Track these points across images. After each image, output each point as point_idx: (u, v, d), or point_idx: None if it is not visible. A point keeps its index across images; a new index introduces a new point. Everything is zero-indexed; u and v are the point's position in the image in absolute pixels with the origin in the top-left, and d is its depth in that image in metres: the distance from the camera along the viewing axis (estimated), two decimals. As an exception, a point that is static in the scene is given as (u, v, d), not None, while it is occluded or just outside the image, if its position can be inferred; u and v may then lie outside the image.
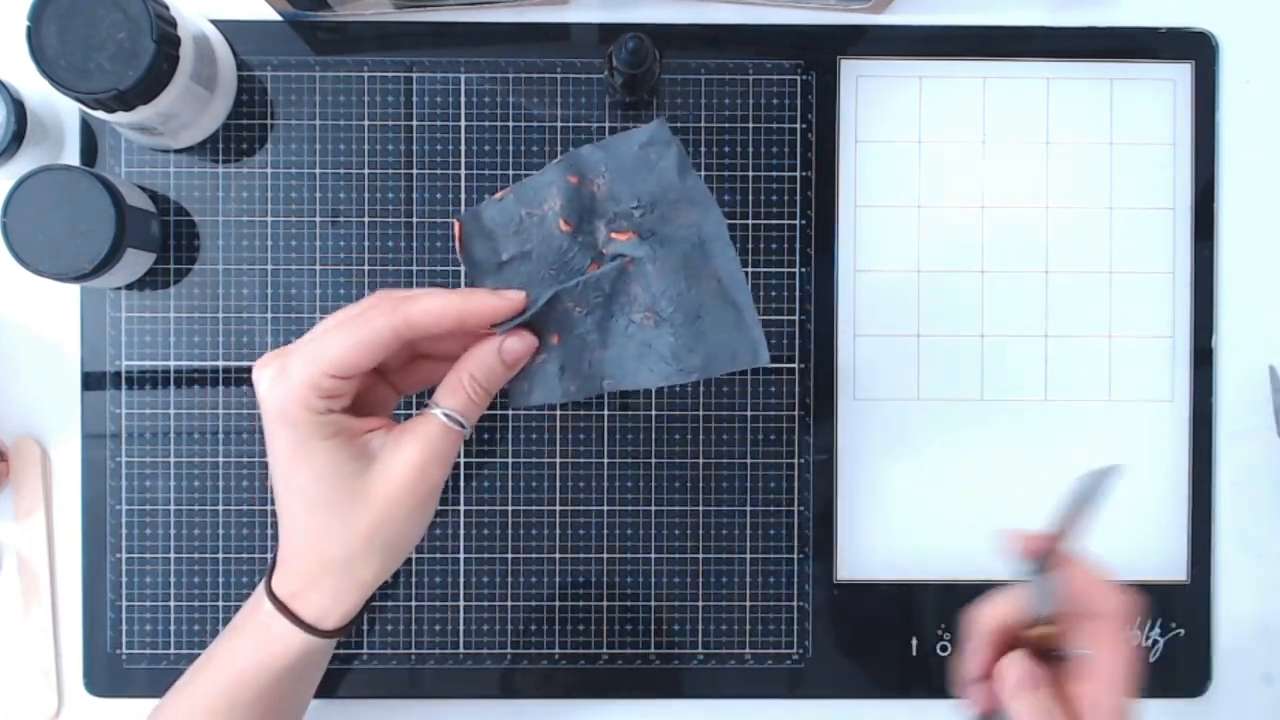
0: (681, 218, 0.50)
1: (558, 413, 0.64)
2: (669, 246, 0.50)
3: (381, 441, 0.49)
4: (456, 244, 0.51)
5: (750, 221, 0.64)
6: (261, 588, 0.51)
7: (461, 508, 0.64)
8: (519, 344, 0.50)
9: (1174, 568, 0.65)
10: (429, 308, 0.48)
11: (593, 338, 0.51)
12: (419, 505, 0.49)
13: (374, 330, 0.47)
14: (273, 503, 0.63)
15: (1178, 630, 0.65)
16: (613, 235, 0.51)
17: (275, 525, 0.63)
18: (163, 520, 0.63)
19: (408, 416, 0.51)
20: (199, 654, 0.59)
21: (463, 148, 0.64)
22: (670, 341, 0.50)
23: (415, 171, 0.64)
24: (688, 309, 0.50)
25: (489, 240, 0.51)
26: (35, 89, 0.61)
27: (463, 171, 0.64)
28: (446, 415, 0.49)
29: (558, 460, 0.64)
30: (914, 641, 0.64)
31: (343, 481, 0.48)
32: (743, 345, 0.50)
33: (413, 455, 0.49)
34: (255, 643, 0.51)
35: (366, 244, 0.64)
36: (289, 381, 0.47)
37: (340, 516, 0.49)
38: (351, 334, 0.47)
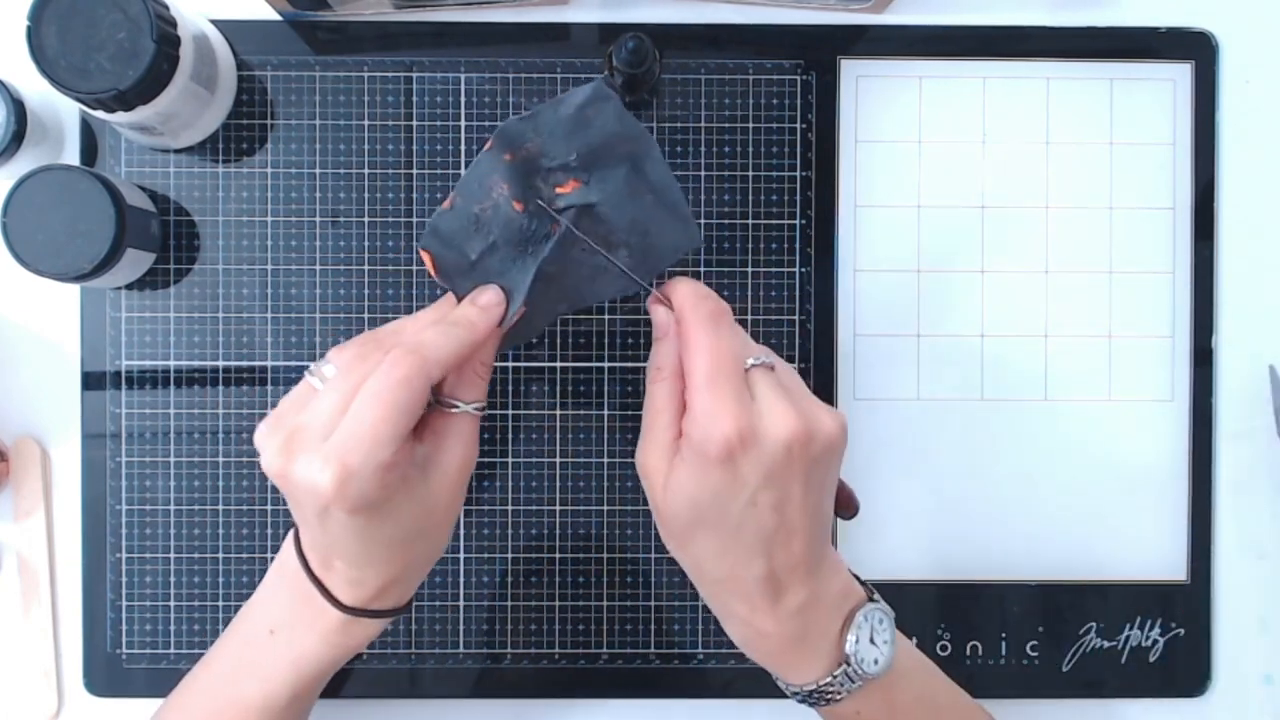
0: (615, 149, 0.52)
1: (557, 413, 0.64)
2: (610, 181, 0.52)
3: (425, 455, 0.50)
4: (431, 272, 0.52)
5: (750, 221, 0.64)
6: (306, 595, 0.51)
7: (461, 507, 0.64)
8: (496, 306, 0.52)
9: (1174, 568, 0.65)
10: (444, 361, 0.48)
11: (552, 271, 0.52)
12: (465, 489, 0.52)
13: (408, 391, 0.46)
14: (273, 503, 0.63)
15: (1178, 630, 0.65)
16: (557, 190, 0.52)
17: (275, 525, 0.63)
18: (163, 520, 0.63)
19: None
20: (199, 654, 0.59)
21: (463, 148, 0.64)
22: (626, 260, 0.53)
23: (415, 171, 0.64)
24: (640, 229, 0.52)
25: (453, 248, 0.52)
26: (35, 89, 0.61)
27: (462, 172, 0.64)
28: (474, 409, 0.51)
29: (558, 460, 0.64)
30: (913, 641, 0.64)
31: (412, 512, 0.49)
32: (681, 237, 0.53)
33: (460, 456, 0.50)
34: (326, 644, 0.51)
35: (366, 244, 0.64)
36: (359, 476, 0.46)
37: (420, 537, 0.50)
38: (387, 402, 0.46)
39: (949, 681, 0.56)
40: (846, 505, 0.57)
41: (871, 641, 0.51)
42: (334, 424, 0.46)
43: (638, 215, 0.52)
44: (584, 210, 0.52)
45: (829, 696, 0.51)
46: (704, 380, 0.48)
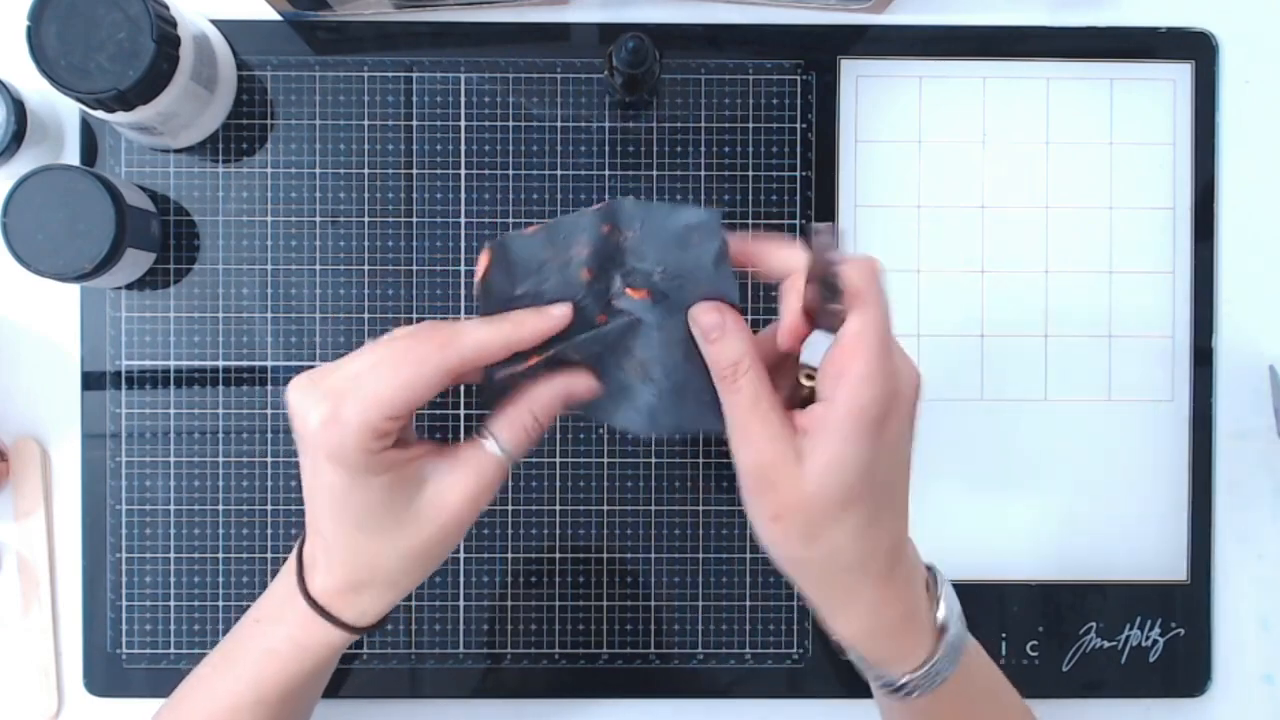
0: (699, 293, 0.49)
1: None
2: (677, 317, 0.49)
3: (433, 467, 0.49)
4: (480, 272, 0.49)
5: (750, 221, 0.64)
6: (290, 587, 0.51)
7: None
8: (583, 389, 0.50)
9: (1174, 568, 0.65)
10: (481, 341, 0.47)
11: (575, 358, 0.50)
12: (466, 527, 0.50)
13: (428, 368, 0.46)
14: (273, 503, 0.63)
15: (1178, 630, 0.65)
16: (627, 290, 0.49)
17: (275, 525, 0.63)
18: (163, 520, 0.63)
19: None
20: (199, 654, 0.59)
21: (463, 148, 0.64)
22: (650, 401, 0.50)
23: (415, 171, 0.64)
24: (676, 380, 0.50)
25: (508, 273, 0.49)
26: (35, 89, 0.61)
27: (463, 171, 0.64)
28: (504, 450, 0.49)
29: (558, 460, 0.64)
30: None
31: (394, 510, 0.48)
32: (712, 414, 0.50)
33: (467, 488, 0.49)
34: (290, 641, 0.50)
35: (366, 244, 0.64)
36: (344, 425, 0.45)
37: (390, 539, 0.49)
38: (403, 372, 0.46)
39: (1001, 675, 0.55)
40: None
41: (948, 607, 0.49)
42: (353, 375, 0.47)
43: (683, 365, 0.49)
44: (635, 324, 0.49)
45: (937, 677, 0.49)
46: (864, 339, 0.45)
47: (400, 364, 0.46)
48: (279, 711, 0.52)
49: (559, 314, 0.48)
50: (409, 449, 0.49)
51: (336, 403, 0.46)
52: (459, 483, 0.49)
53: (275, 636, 0.51)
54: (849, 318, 0.45)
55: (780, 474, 0.46)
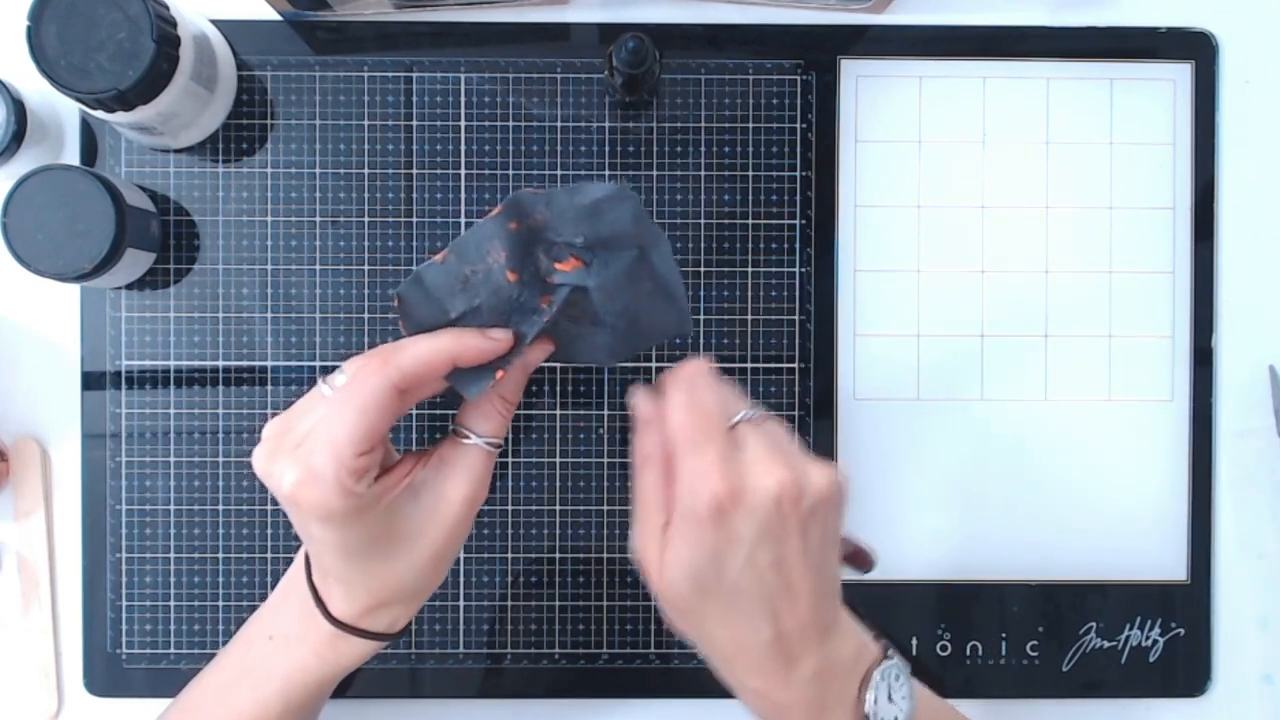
0: (628, 246, 0.50)
1: (557, 413, 0.64)
2: (612, 266, 0.50)
3: (423, 479, 0.49)
4: (401, 321, 0.50)
5: (750, 221, 0.64)
6: (308, 610, 0.51)
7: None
8: (540, 356, 0.51)
9: (1174, 568, 0.65)
10: (419, 355, 0.47)
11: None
12: (470, 523, 0.51)
13: (373, 393, 0.46)
14: (273, 503, 0.63)
15: (1178, 630, 0.65)
16: (556, 265, 0.50)
17: (275, 525, 0.63)
18: (163, 520, 0.63)
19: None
20: (199, 654, 0.59)
21: (463, 148, 0.64)
22: (607, 340, 0.52)
23: (415, 171, 0.64)
24: (628, 316, 0.51)
25: (434, 302, 0.50)
26: (35, 89, 0.61)
27: (463, 171, 0.64)
28: (490, 444, 0.50)
29: (558, 460, 0.64)
30: (914, 641, 0.64)
31: (397, 534, 0.49)
32: (671, 323, 0.53)
33: (463, 489, 0.49)
34: (318, 657, 0.51)
35: (366, 244, 0.64)
36: (321, 480, 0.45)
37: (404, 561, 0.49)
38: (354, 403, 0.46)
39: None
40: (862, 562, 0.56)
41: (890, 699, 0.49)
42: (310, 427, 0.47)
43: (631, 303, 0.51)
44: (577, 290, 0.50)
45: None
46: (687, 440, 0.46)
47: (350, 398, 0.46)
48: (302, 716, 0.53)
49: (500, 337, 0.49)
50: (393, 472, 0.49)
51: (305, 460, 0.46)
52: (453, 487, 0.49)
53: (301, 652, 0.51)
54: (664, 414, 0.48)
55: (649, 562, 0.48)
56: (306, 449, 0.46)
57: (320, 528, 0.47)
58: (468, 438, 0.50)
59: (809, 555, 0.47)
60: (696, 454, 0.46)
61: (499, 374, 0.50)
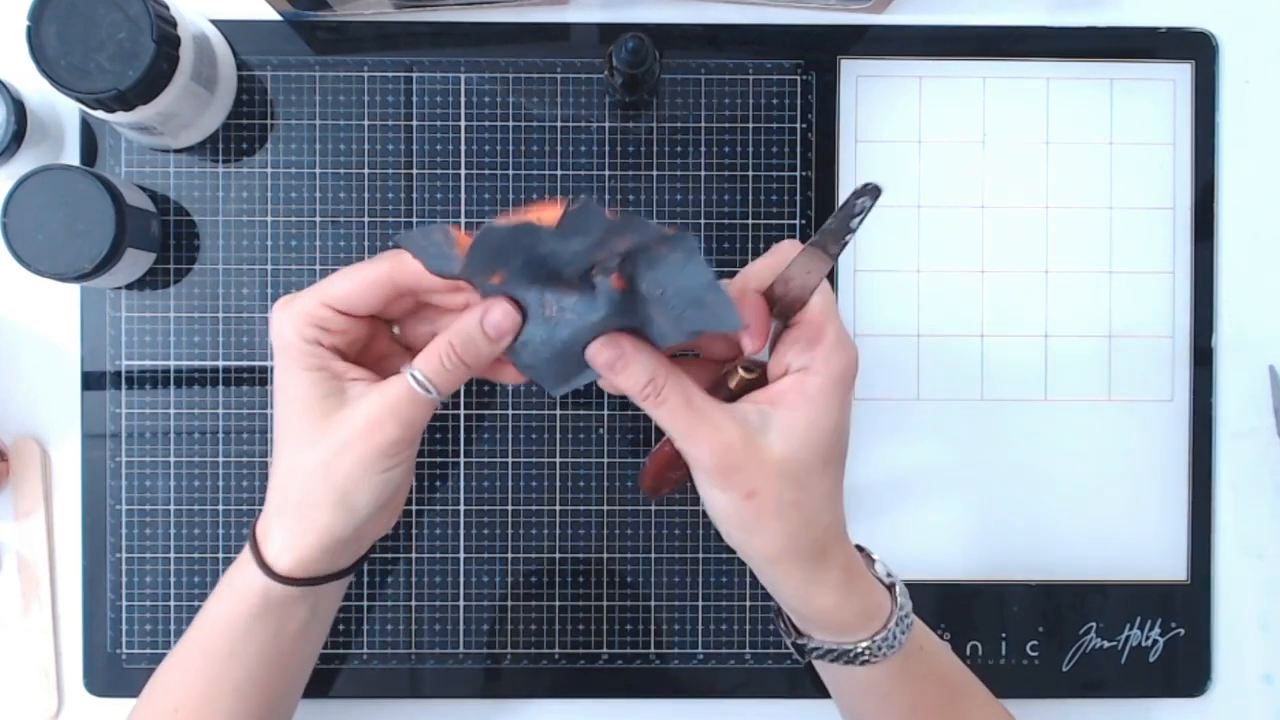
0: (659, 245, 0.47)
1: (557, 413, 0.64)
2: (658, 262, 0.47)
3: (358, 391, 0.49)
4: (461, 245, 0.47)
5: (750, 221, 0.64)
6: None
7: (462, 507, 0.64)
8: (500, 316, 0.48)
9: (1174, 568, 0.65)
10: (435, 281, 0.48)
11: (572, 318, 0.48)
12: (370, 459, 0.48)
13: (375, 271, 0.49)
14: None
15: (1178, 630, 0.65)
16: (609, 277, 0.47)
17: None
18: (163, 520, 0.63)
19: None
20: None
21: (463, 148, 0.64)
22: (664, 320, 0.48)
23: (415, 171, 0.64)
24: (683, 296, 0.47)
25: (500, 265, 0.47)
26: (35, 89, 0.61)
27: (463, 171, 0.64)
28: (415, 378, 0.48)
29: (558, 460, 0.64)
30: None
31: (310, 416, 0.49)
32: (717, 319, 0.48)
33: (372, 408, 0.48)
34: (227, 582, 0.52)
35: (366, 244, 0.64)
36: (291, 310, 0.49)
37: (299, 451, 0.49)
38: (355, 274, 0.49)
39: (955, 658, 0.57)
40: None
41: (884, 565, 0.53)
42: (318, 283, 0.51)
43: (682, 289, 0.47)
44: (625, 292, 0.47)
45: (892, 644, 0.50)
46: (830, 311, 0.49)
47: (356, 268, 0.49)
48: (231, 670, 0.51)
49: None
50: (349, 366, 0.50)
51: (293, 298, 0.50)
52: (366, 403, 0.49)
53: (220, 591, 0.53)
54: (812, 297, 0.48)
55: (746, 453, 0.47)
56: (300, 293, 0.50)
57: (278, 360, 0.49)
58: (407, 370, 0.49)
59: None
60: (837, 323, 0.48)
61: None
